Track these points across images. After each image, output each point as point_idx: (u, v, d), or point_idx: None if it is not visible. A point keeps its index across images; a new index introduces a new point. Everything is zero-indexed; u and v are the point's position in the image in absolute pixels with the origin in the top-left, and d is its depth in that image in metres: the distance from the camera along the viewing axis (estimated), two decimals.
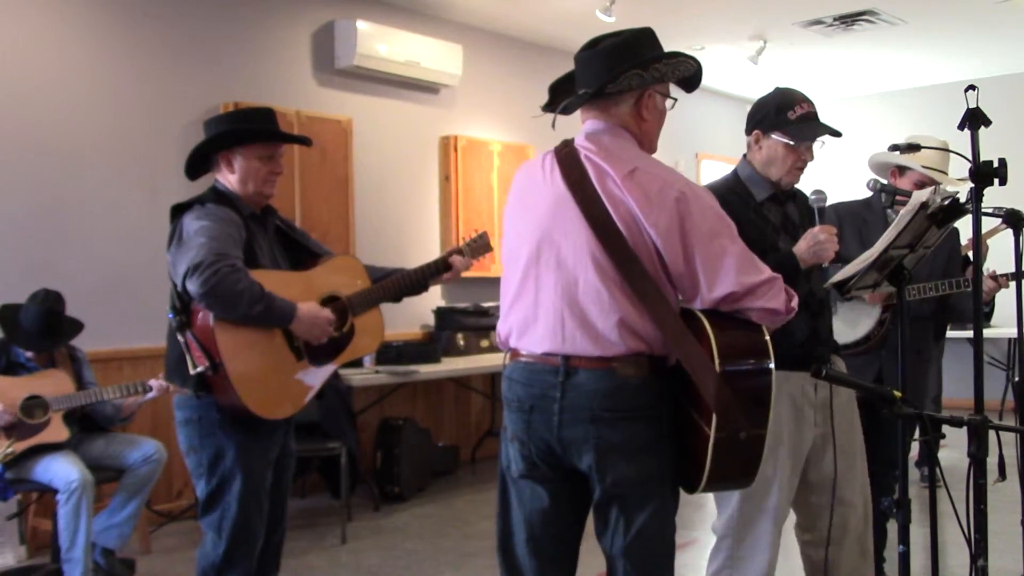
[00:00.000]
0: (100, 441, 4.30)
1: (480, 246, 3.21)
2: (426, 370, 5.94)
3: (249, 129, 2.87)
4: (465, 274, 5.08)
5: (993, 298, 3.52)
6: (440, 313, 6.75)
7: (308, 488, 6.00)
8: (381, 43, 6.31)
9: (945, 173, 3.46)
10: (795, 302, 2.10)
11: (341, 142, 6.23)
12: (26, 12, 4.94)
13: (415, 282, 3.10)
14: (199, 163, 2.92)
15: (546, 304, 2.15)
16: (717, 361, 1.99)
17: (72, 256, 5.00)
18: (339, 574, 4.49)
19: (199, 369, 2.66)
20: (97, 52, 5.20)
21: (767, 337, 2.06)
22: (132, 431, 4.66)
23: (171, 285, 2.74)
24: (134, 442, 4.29)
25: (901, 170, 3.48)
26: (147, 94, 5.30)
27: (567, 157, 2.18)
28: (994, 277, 3.37)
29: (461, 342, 6.66)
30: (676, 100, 2.27)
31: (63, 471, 3.94)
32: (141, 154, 5.27)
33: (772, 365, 2.04)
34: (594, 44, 2.21)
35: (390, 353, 5.96)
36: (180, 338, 2.70)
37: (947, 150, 2.84)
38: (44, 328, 4.16)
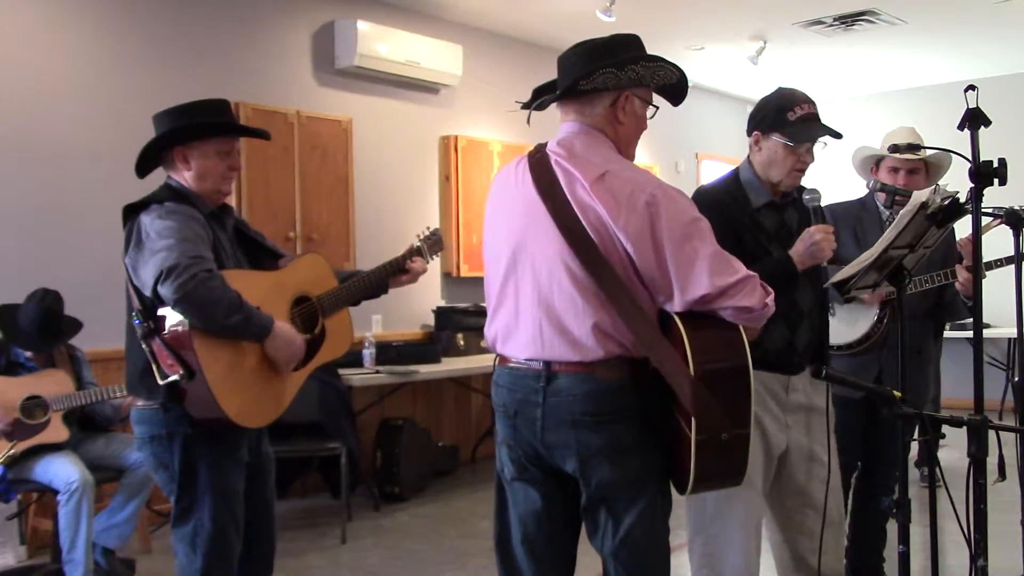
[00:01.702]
0: (100, 441, 4.30)
1: (435, 243, 3.11)
2: (426, 370, 5.94)
3: (207, 123, 2.71)
4: (465, 274, 5.03)
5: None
6: (440, 313, 6.74)
7: (308, 488, 6.01)
8: (381, 43, 6.31)
9: (919, 146, 3.45)
10: (771, 299, 2.08)
11: (341, 142, 6.23)
12: (25, 12, 4.94)
13: (375, 283, 2.96)
14: (149, 159, 2.76)
15: (525, 311, 2.16)
16: (692, 364, 1.98)
17: (72, 256, 4.99)
18: (339, 574, 4.49)
19: (172, 378, 2.51)
20: (96, 52, 5.20)
21: (743, 336, 2.05)
22: (131, 431, 4.66)
23: (130, 290, 2.61)
24: (134, 442, 4.28)
25: (877, 163, 3.51)
26: (147, 94, 5.29)
27: (538, 163, 2.18)
28: (970, 268, 3.36)
29: (461, 342, 6.66)
30: (657, 108, 2.26)
31: (63, 471, 3.94)
32: None
33: (749, 364, 2.02)
34: (577, 47, 2.21)
35: (390, 353, 5.96)
36: (145, 346, 2.55)
37: (938, 148, 2.83)
38: (42, 327, 4.15)
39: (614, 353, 2.08)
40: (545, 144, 2.22)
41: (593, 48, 2.17)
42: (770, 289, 2.10)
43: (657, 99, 2.29)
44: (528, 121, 2.29)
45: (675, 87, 2.26)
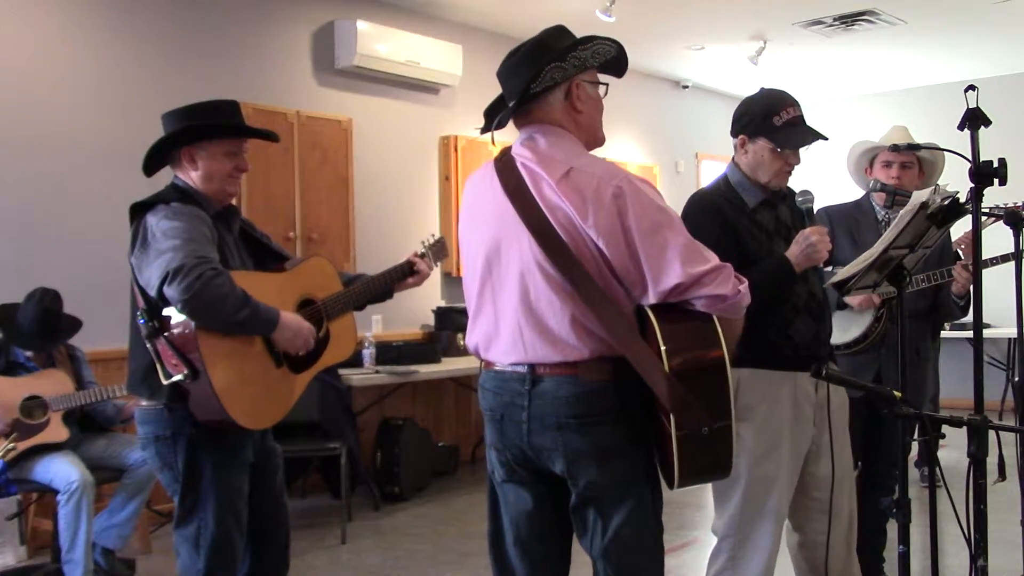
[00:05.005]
0: (100, 441, 4.30)
1: (439, 249, 3.13)
2: (426, 370, 5.94)
3: (217, 124, 2.71)
4: None
5: (970, 290, 3.52)
6: (440, 313, 6.75)
7: (308, 488, 6.01)
8: (381, 43, 6.31)
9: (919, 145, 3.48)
10: (744, 286, 2.06)
11: (341, 142, 6.23)
12: (27, 13, 4.94)
13: (380, 288, 2.97)
14: (157, 158, 2.77)
15: (504, 316, 2.16)
16: (666, 359, 1.96)
17: (71, 256, 4.99)
18: (339, 574, 4.49)
19: (176, 377, 2.50)
20: (97, 52, 5.20)
21: (718, 327, 2.02)
22: (132, 431, 4.66)
23: (134, 289, 2.61)
24: (134, 442, 4.28)
25: (871, 163, 3.53)
26: (147, 94, 5.29)
27: (505, 167, 2.18)
28: (966, 267, 3.37)
29: (461, 342, 6.65)
30: (607, 85, 2.26)
31: (63, 471, 3.94)
32: (140, 154, 5.23)
33: (725, 354, 2.00)
34: (512, 56, 2.22)
35: (390, 353, 5.96)
36: (149, 345, 2.55)
37: (937, 147, 2.84)
38: (42, 327, 4.15)
39: (597, 352, 2.07)
40: (510, 147, 2.22)
41: (529, 52, 2.18)
42: (743, 279, 2.08)
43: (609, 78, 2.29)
44: (492, 142, 2.28)
45: (616, 60, 2.26)
